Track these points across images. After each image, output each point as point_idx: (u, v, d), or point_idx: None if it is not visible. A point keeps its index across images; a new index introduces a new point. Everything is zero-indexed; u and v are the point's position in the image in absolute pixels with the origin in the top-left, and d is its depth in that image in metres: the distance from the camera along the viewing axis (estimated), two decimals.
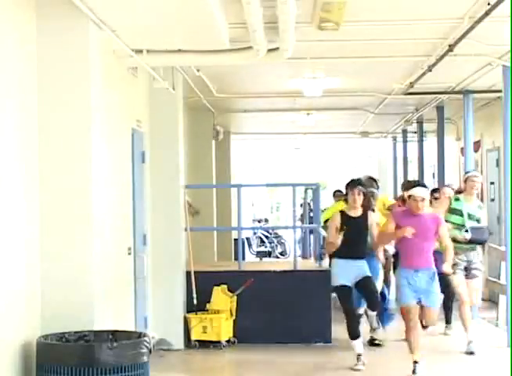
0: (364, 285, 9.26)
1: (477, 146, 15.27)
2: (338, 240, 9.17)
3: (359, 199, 9.27)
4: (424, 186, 8.87)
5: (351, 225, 9.21)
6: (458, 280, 9.76)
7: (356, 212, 9.30)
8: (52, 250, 6.58)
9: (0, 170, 5.88)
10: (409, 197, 8.66)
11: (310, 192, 19.51)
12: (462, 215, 9.82)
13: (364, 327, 9.92)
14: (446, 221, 9.46)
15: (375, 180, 11.07)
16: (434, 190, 11.68)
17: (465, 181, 10.06)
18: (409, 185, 8.86)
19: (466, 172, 10.58)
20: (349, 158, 29.47)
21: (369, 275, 9.31)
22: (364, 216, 9.32)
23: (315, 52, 9.66)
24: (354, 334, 9.13)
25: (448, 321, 11.01)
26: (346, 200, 9.55)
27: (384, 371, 9.17)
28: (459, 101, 13.34)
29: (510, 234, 10.10)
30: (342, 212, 9.34)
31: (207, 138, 15.69)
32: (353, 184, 9.48)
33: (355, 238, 9.20)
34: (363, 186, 9.45)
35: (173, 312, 10.15)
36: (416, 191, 8.61)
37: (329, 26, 7.79)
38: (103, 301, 6.96)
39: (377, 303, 9.49)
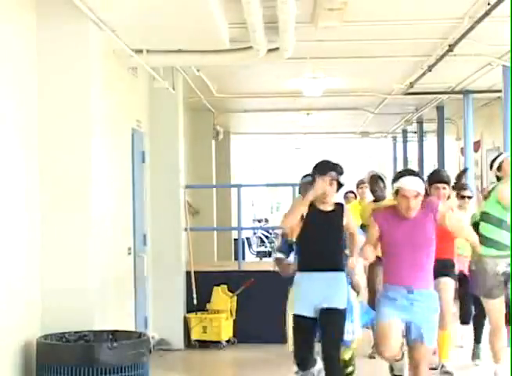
0: (325, 322, 6.51)
1: (477, 146, 15.27)
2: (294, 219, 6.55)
3: (332, 190, 6.56)
4: (418, 175, 6.19)
5: (318, 221, 6.57)
6: (498, 309, 7.50)
7: (326, 206, 6.60)
8: (52, 250, 6.57)
9: (0, 170, 5.89)
10: (397, 192, 6.06)
11: None
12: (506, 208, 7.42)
13: None
14: (486, 214, 7.48)
15: (381, 179, 9.22)
16: (462, 187, 9.11)
17: (498, 168, 7.73)
18: (397, 176, 6.26)
19: (496, 157, 7.94)
20: (349, 158, 29.49)
21: (340, 307, 6.49)
22: (337, 212, 6.62)
23: (315, 52, 9.66)
24: (302, 365, 6.70)
25: (477, 340, 8.84)
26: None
27: None
28: (459, 101, 13.36)
29: (510, 234, 10.08)
30: (311, 204, 6.59)
31: (207, 138, 15.70)
32: (323, 168, 6.61)
33: (322, 242, 6.54)
34: (339, 171, 6.60)
35: (173, 312, 10.15)
36: (406, 183, 6.00)
37: (330, 25, 7.82)
38: (103, 301, 6.96)
39: (334, 358, 6.53)
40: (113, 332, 6.51)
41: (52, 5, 6.56)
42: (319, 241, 6.54)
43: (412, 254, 6.02)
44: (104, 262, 7.04)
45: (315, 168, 6.66)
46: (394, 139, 21.94)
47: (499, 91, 11.26)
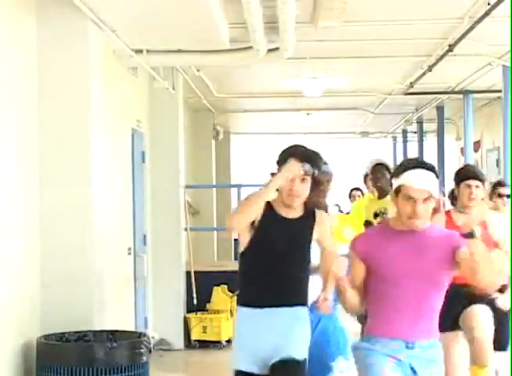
0: None
1: (477, 146, 15.27)
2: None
3: (304, 188, 4.64)
4: (432, 169, 4.16)
5: (276, 231, 4.66)
6: None
7: (291, 212, 4.72)
8: (51, 250, 6.56)
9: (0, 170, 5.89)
10: (398, 191, 4.12)
11: None
12: None
13: None
14: None
15: (388, 169, 7.57)
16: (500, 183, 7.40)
17: None
18: (400, 168, 4.26)
19: None
20: (349, 158, 29.50)
21: (298, 359, 4.53)
22: (306, 220, 4.75)
23: (315, 52, 9.65)
24: None
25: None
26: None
27: None
28: (459, 101, 13.36)
29: (510, 234, 10.09)
30: (269, 206, 4.68)
31: (207, 138, 15.69)
32: (295, 156, 4.65)
33: (279, 262, 4.59)
34: (315, 163, 4.68)
35: (173, 312, 10.16)
36: (413, 179, 4.05)
37: (330, 25, 7.82)
38: (103, 301, 6.95)
39: None
40: (113, 332, 6.50)
41: (52, 5, 6.55)
42: (275, 261, 4.60)
43: (415, 286, 4.10)
44: (104, 262, 7.04)
45: (283, 156, 4.72)
46: (394, 139, 21.92)
47: (499, 91, 11.25)
